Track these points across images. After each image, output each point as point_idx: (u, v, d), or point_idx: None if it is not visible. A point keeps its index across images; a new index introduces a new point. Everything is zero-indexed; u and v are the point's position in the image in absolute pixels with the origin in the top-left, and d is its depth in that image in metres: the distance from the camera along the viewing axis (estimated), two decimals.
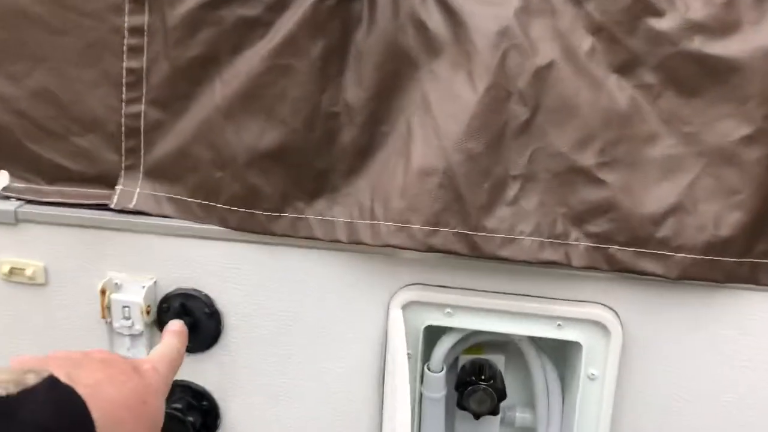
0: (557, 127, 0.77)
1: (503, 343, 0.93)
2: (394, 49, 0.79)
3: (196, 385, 0.92)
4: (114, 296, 0.88)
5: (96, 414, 0.47)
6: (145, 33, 0.84)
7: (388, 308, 0.85)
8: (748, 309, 0.80)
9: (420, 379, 0.90)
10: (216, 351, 0.91)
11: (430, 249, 0.78)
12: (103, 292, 0.88)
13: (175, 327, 0.72)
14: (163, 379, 0.60)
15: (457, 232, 0.78)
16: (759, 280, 0.77)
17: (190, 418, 0.91)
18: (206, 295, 0.89)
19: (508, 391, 0.94)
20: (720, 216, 0.75)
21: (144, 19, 0.83)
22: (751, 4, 0.73)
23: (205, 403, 0.93)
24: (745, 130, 0.74)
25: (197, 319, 0.89)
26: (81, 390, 0.48)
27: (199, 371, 0.92)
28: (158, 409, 0.57)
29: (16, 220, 0.88)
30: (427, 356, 0.89)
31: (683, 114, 0.76)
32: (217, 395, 0.92)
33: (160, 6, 0.82)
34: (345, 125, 0.81)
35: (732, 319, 0.80)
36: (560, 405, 0.91)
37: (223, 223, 0.85)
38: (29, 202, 0.89)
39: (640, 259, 0.77)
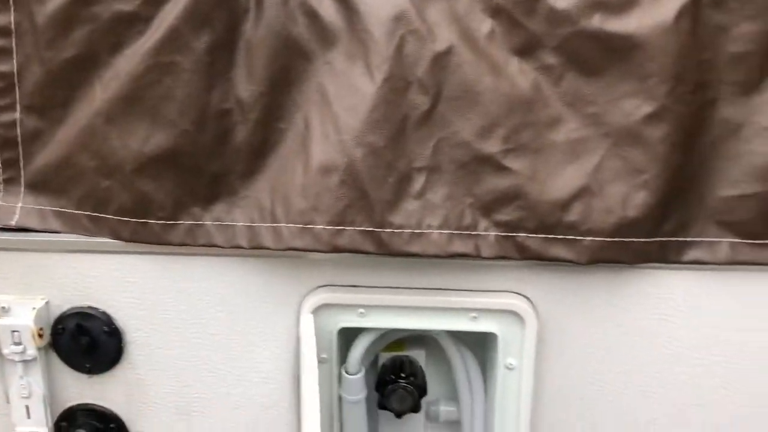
0: (460, 116, 0.74)
1: (423, 338, 0.91)
2: (286, 41, 0.74)
3: (101, 407, 0.86)
4: (1, 321, 0.81)
5: None
6: (13, 34, 0.77)
7: (299, 313, 0.81)
8: (661, 288, 0.79)
9: (338, 382, 0.86)
10: (119, 370, 0.85)
11: (336, 249, 0.74)
12: None
13: None
14: None
15: (363, 230, 0.74)
16: (668, 258, 0.77)
17: None
18: (104, 313, 0.83)
19: (431, 385, 0.92)
20: (627, 197, 0.74)
21: (9, 18, 0.76)
22: None
23: (112, 425, 0.87)
24: (648, 108, 0.73)
25: (96, 338, 0.83)
26: None
27: (104, 393, 0.86)
28: None
29: None
30: (343, 358, 0.86)
31: (586, 95, 0.74)
32: (125, 416, 0.87)
33: (27, 3, 0.75)
34: (238, 123, 0.76)
35: (646, 299, 0.80)
36: (482, 397, 0.89)
37: (115, 236, 0.79)
38: None
39: (550, 245, 0.75)
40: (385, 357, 0.92)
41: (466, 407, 0.91)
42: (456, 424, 0.94)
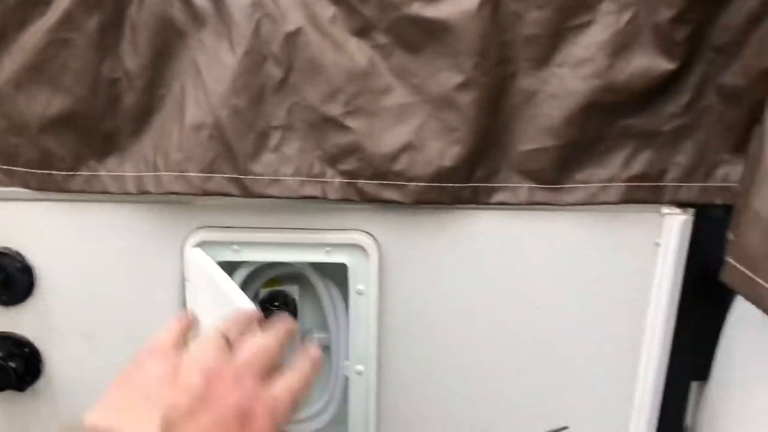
0: (308, 84, 0.91)
1: (296, 275, 1.08)
2: (165, 22, 0.90)
3: (16, 334, 1.01)
4: None
5: None
6: None
7: (182, 250, 0.98)
8: (475, 226, 0.99)
9: None
10: (31, 302, 1.00)
11: (207, 193, 0.91)
12: None
13: (313, 353, 0.63)
14: (277, 424, 0.52)
15: (230, 177, 0.91)
16: (479, 200, 0.96)
17: (12, 365, 1.00)
18: (17, 252, 0.98)
19: (307, 316, 1.10)
20: (443, 151, 0.92)
21: None
22: None
23: (26, 349, 1.02)
24: (458, 79, 0.91)
25: (10, 274, 0.98)
26: None
27: (18, 321, 1.01)
28: None
29: None
30: None
31: (411, 68, 0.92)
32: (37, 341, 1.02)
33: None
34: (126, 90, 0.91)
35: (464, 235, 0.99)
36: (345, 320, 1.07)
37: (25, 185, 0.94)
38: None
39: (383, 189, 0.93)
40: (264, 292, 1.09)
41: (333, 329, 1.09)
42: (327, 348, 1.12)
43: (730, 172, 0.95)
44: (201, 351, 0.57)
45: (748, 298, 0.78)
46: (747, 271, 0.78)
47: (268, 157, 0.92)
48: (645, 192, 0.96)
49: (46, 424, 1.06)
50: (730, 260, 0.81)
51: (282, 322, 0.68)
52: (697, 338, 1.02)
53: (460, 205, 0.96)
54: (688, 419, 1.09)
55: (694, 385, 1.08)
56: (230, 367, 0.54)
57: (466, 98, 0.91)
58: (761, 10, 0.88)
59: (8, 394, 1.02)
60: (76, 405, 1.04)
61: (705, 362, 1.03)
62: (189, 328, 0.69)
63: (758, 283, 0.76)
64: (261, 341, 0.63)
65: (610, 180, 0.96)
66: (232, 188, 0.91)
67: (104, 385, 0.57)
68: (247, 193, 0.92)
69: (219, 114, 0.89)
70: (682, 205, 0.97)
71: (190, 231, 0.98)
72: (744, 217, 0.80)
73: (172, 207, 0.97)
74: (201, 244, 0.97)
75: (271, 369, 0.58)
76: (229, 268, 1.02)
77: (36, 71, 0.89)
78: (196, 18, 0.90)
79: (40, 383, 1.04)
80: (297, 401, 0.56)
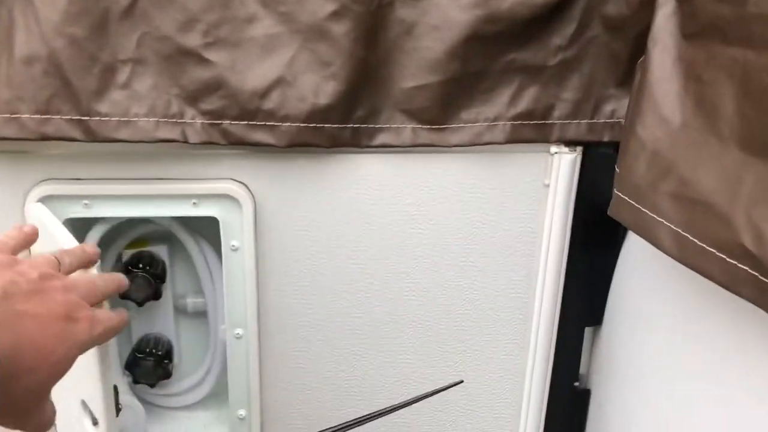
0: (161, 11, 0.80)
1: (164, 234, 0.98)
2: None
3: None
4: None
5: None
6: None
7: (24, 207, 0.85)
8: (358, 170, 0.91)
9: None
10: None
11: (44, 137, 0.79)
12: None
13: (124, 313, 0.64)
14: (93, 336, 0.57)
15: (70, 118, 0.79)
16: (361, 142, 0.89)
17: None
18: None
19: (179, 279, 1.00)
20: (318, 87, 0.84)
21: None
22: None
23: None
24: (331, 6, 0.82)
25: None
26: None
27: None
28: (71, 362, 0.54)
29: None
30: None
31: None
32: None
33: None
34: None
35: (346, 180, 0.91)
36: (221, 281, 0.97)
37: None
38: None
39: (251, 131, 0.84)
40: (127, 254, 0.98)
41: (209, 294, 1.00)
42: (203, 313, 1.02)
43: (618, 107, 0.91)
44: (37, 260, 0.60)
45: (634, 230, 0.74)
46: (633, 202, 0.74)
47: (116, 96, 0.80)
48: (532, 130, 0.91)
49: None
50: (617, 192, 0.78)
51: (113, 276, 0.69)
52: (588, 283, 0.99)
53: (339, 148, 0.88)
54: (583, 365, 1.07)
55: (588, 331, 1.05)
56: (60, 280, 0.57)
57: (340, 28, 0.83)
58: None
59: None
60: None
61: (598, 307, 1.01)
62: (30, 239, 0.65)
63: (644, 213, 0.72)
64: (90, 276, 0.66)
65: (496, 119, 0.90)
66: (74, 131, 0.79)
67: None
68: (92, 136, 0.80)
69: (54, 45, 0.77)
70: (570, 143, 0.93)
71: (32, 184, 0.85)
72: (629, 148, 0.76)
73: (8, 156, 0.84)
74: (45, 199, 0.85)
75: (93, 302, 0.60)
76: (83, 226, 0.90)
77: None
78: None
79: None
80: (107, 335, 0.60)
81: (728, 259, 0.58)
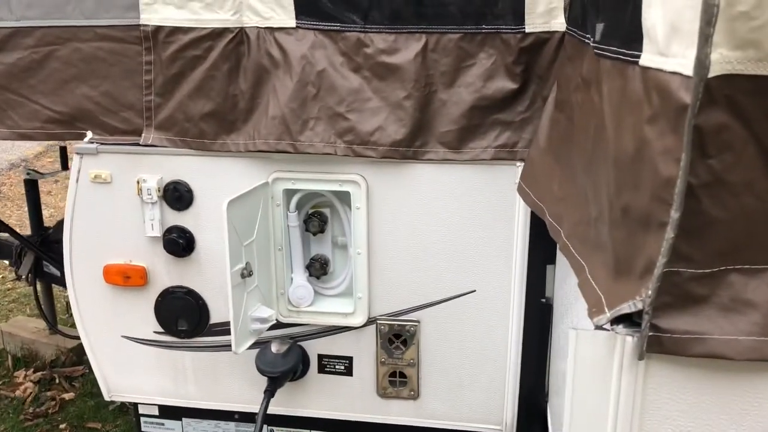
0: (329, 95, 1.80)
1: (328, 202, 1.96)
2: (259, 65, 1.82)
3: None
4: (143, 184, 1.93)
5: None
6: None
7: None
8: (414, 172, 1.84)
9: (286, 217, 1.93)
10: None
11: (278, 150, 1.82)
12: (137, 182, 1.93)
13: None
14: None
15: (287, 142, 1.82)
16: (417, 157, 1.81)
17: None
18: None
19: (335, 226, 1.98)
20: (396, 131, 1.79)
21: None
22: None
23: None
24: (403, 93, 1.76)
25: None
26: None
27: None
28: None
29: (97, 152, 1.93)
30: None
31: (381, 88, 1.78)
32: None
33: None
34: (240, 100, 1.84)
35: (411, 176, 1.85)
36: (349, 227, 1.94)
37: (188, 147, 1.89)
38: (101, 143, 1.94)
39: (366, 150, 1.81)
40: (310, 211, 1.98)
41: (347, 233, 1.98)
42: (345, 245, 2.00)
43: None
44: None
45: (526, 203, 1.59)
46: (524, 185, 1.59)
47: (307, 133, 1.81)
48: (507, 154, 1.78)
49: None
50: (520, 182, 1.63)
51: None
52: (546, 236, 1.80)
53: (407, 160, 1.80)
54: (548, 292, 1.87)
55: (549, 268, 1.85)
56: None
57: (408, 103, 1.76)
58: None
59: None
60: None
61: (552, 253, 1.81)
62: None
63: (527, 193, 1.57)
64: None
65: (487, 148, 1.78)
66: (288, 147, 1.81)
67: None
68: (297, 150, 1.81)
69: (284, 111, 1.80)
70: (525, 161, 1.77)
71: (270, 172, 1.88)
72: (527, 159, 1.62)
73: (258, 158, 1.88)
74: (274, 180, 1.88)
75: None
76: (289, 195, 1.92)
77: (198, 91, 1.84)
78: (274, 63, 1.81)
79: None
80: None
81: (551, 221, 1.43)
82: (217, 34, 1.81)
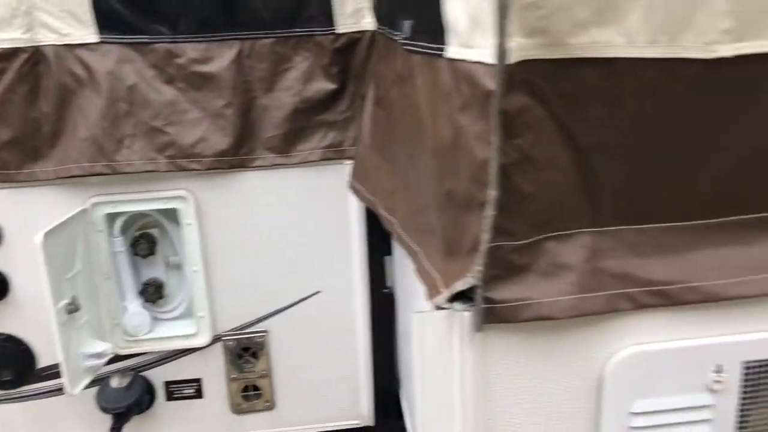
0: (143, 111, 1.72)
1: (155, 222, 1.87)
2: (62, 86, 1.69)
3: None
4: None
5: None
6: None
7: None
8: (243, 180, 1.82)
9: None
10: None
11: (91, 173, 1.71)
12: None
13: None
14: None
15: (102, 164, 1.72)
16: (245, 165, 1.78)
17: None
18: None
19: (165, 246, 1.90)
20: (219, 141, 1.75)
21: None
22: None
23: None
24: (223, 102, 1.73)
25: None
26: None
27: None
28: None
29: None
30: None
31: (197, 99, 1.73)
32: None
33: None
34: (44, 124, 1.70)
35: (238, 185, 1.81)
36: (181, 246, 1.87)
37: None
38: None
39: (190, 163, 1.75)
40: (137, 234, 1.88)
41: (179, 251, 1.90)
42: (179, 266, 1.92)
43: None
44: None
45: (359, 199, 1.63)
46: (355, 182, 1.62)
47: (124, 152, 1.72)
48: (334, 154, 1.80)
49: None
50: (352, 179, 1.66)
51: None
52: (383, 231, 1.86)
53: (234, 169, 1.77)
54: (389, 282, 1.93)
55: (387, 259, 1.91)
56: None
57: (229, 111, 1.73)
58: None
59: None
60: None
61: (389, 244, 1.87)
62: None
63: (359, 189, 1.60)
64: None
65: (314, 149, 1.80)
66: (104, 169, 1.71)
67: None
68: (114, 171, 1.71)
69: (95, 131, 1.69)
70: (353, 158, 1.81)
71: (88, 197, 1.76)
72: (355, 156, 1.66)
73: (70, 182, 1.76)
74: (94, 205, 1.76)
75: None
76: (112, 218, 1.81)
77: None
78: (78, 81, 1.70)
79: None
80: None
81: (384, 214, 1.46)
82: (9, 55, 1.66)
